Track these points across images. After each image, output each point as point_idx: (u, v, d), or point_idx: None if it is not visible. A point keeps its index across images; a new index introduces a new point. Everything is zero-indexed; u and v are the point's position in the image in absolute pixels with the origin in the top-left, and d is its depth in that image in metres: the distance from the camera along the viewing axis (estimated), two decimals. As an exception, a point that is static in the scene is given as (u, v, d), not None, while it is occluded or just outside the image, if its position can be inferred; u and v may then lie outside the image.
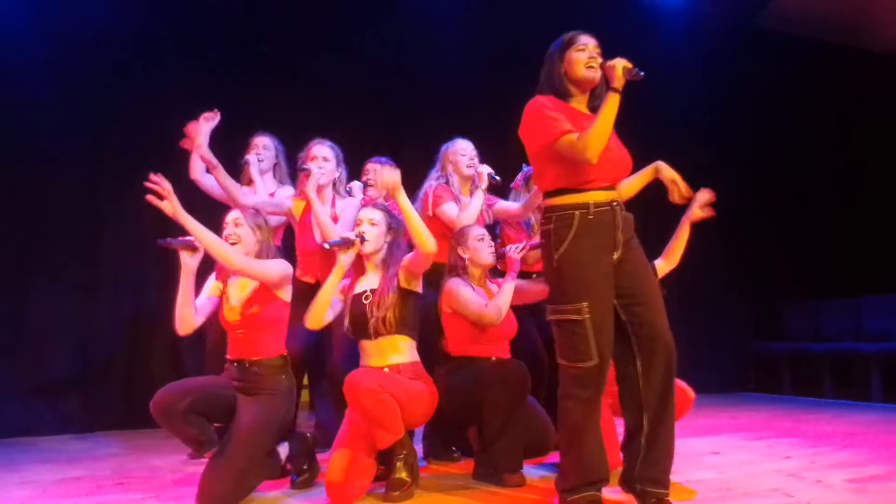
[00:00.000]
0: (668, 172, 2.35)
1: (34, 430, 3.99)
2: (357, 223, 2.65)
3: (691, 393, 2.74)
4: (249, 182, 3.47)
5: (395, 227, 2.67)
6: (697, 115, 6.04)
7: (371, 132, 4.79)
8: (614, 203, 2.19)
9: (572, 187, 2.16)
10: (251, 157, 3.47)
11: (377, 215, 2.64)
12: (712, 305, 5.96)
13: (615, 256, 2.16)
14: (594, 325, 2.08)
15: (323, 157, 3.24)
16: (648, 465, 2.15)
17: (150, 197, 2.25)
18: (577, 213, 2.13)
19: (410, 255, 2.59)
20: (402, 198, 2.47)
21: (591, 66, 2.20)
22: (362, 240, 2.56)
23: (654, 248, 2.79)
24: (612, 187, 2.21)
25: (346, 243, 2.53)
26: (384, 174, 2.46)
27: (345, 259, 2.52)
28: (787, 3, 5.74)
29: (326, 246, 2.56)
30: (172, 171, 4.19)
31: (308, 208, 3.23)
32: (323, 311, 2.54)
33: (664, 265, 2.99)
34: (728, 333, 6.02)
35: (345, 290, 2.65)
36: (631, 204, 2.34)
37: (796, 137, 6.51)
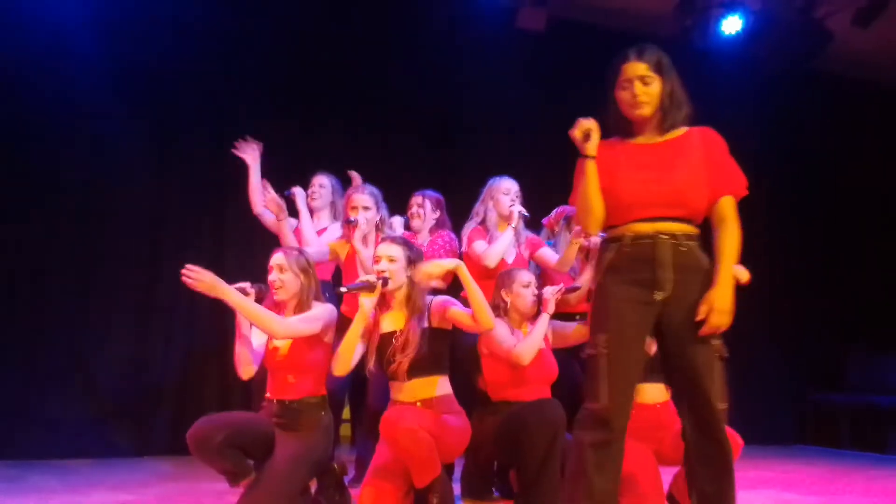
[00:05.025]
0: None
1: (86, 452, 4.11)
2: (377, 260, 2.59)
3: (739, 440, 2.64)
4: (297, 213, 3.53)
5: (416, 259, 2.61)
6: (749, 158, 5.91)
7: (423, 166, 4.89)
8: (662, 235, 1.97)
9: (615, 224, 2.06)
10: (297, 189, 3.53)
11: (395, 250, 2.58)
12: (770, 353, 5.76)
13: (658, 297, 1.96)
14: (610, 363, 1.92)
15: (364, 206, 3.30)
16: None
17: (187, 281, 2.30)
18: (614, 244, 2.04)
19: (463, 312, 2.53)
20: (463, 273, 2.48)
21: (638, 104, 2.03)
22: (385, 281, 2.52)
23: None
24: (660, 219, 1.99)
25: (365, 286, 2.49)
26: (430, 267, 2.51)
27: (367, 303, 2.50)
28: (850, 47, 5.61)
29: (342, 290, 2.55)
30: (232, 197, 4.41)
31: (353, 250, 3.29)
32: (349, 357, 2.54)
33: None
34: (786, 382, 5.79)
35: (367, 330, 2.60)
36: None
37: (859, 181, 6.30)
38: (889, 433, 5.12)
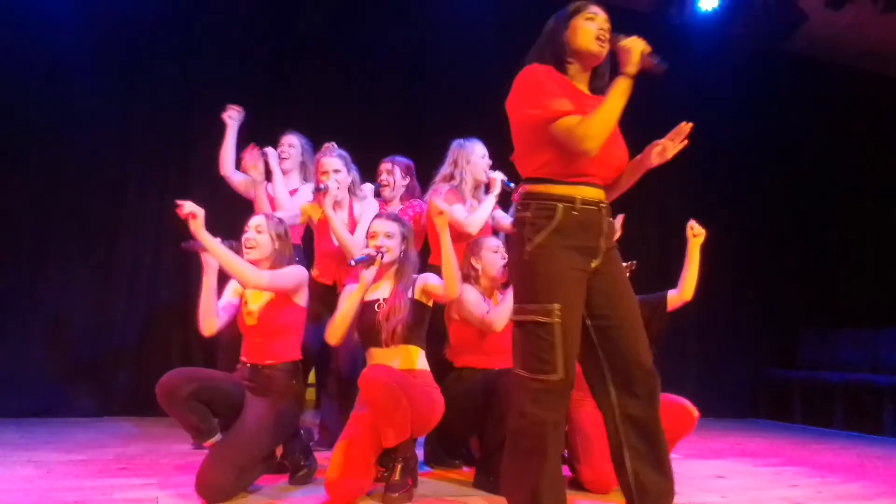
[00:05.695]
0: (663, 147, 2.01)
1: (45, 411, 4.04)
2: (372, 236, 2.64)
3: (695, 412, 2.70)
4: (270, 174, 3.48)
5: (408, 235, 2.68)
6: (719, 137, 6.00)
7: (392, 131, 4.82)
8: (602, 204, 1.94)
9: (559, 179, 1.90)
10: (269, 149, 3.49)
11: (393, 227, 2.64)
12: (727, 329, 5.92)
13: (593, 265, 1.91)
14: (563, 333, 1.81)
15: (334, 170, 3.23)
16: None
17: (179, 211, 2.31)
18: (560, 205, 1.88)
19: (437, 283, 2.57)
20: (446, 237, 2.48)
21: (601, 39, 1.91)
22: (382, 256, 2.57)
23: (655, 272, 2.72)
24: (601, 186, 1.95)
25: (369, 260, 2.54)
26: (435, 205, 2.48)
27: (367, 275, 2.53)
28: (819, 29, 5.69)
29: (352, 263, 2.56)
30: (197, 163, 4.30)
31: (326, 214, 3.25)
32: (345, 327, 2.56)
33: (677, 297, 2.95)
34: (741, 358, 5.96)
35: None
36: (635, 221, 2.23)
37: (818, 164, 6.45)
38: (837, 409, 5.32)
